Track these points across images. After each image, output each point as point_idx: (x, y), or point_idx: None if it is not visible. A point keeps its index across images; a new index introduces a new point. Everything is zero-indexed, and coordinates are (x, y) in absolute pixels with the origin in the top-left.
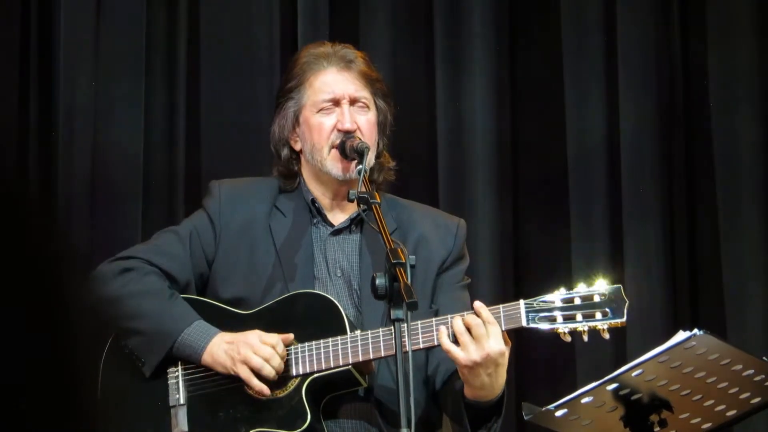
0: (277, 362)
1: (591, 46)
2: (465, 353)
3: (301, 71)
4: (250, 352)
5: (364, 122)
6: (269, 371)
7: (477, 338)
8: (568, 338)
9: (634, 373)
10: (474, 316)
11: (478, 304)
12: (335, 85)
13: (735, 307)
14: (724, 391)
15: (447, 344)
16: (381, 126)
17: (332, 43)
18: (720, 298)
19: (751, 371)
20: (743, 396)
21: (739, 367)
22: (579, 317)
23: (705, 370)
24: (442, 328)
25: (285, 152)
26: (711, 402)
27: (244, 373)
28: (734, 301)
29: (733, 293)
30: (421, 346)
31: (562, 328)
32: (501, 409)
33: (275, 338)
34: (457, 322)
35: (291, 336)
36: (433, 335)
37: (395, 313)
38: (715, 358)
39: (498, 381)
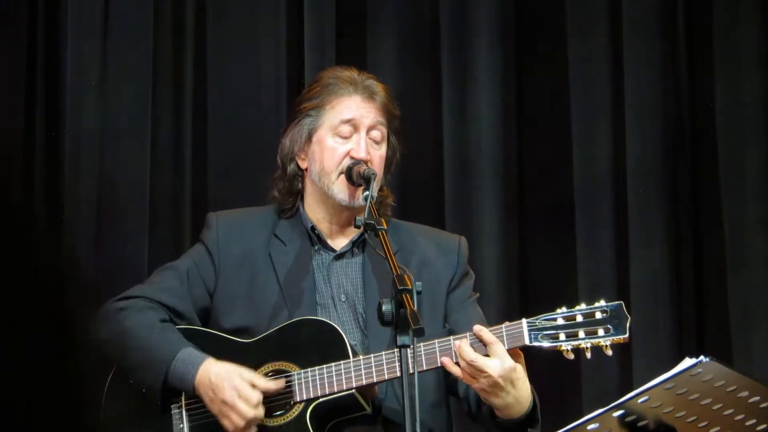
0: (260, 418)
1: (598, 73)
2: (477, 383)
3: (325, 92)
4: (232, 414)
5: (377, 156)
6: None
7: (481, 368)
8: (571, 356)
9: (640, 400)
10: (469, 351)
11: (477, 329)
12: (357, 111)
13: (741, 333)
14: (731, 418)
15: (458, 372)
16: (388, 161)
17: (358, 70)
18: (726, 325)
19: (757, 398)
20: (749, 423)
21: (746, 393)
22: (581, 334)
23: (711, 397)
24: (446, 359)
25: (291, 167)
26: (717, 429)
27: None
28: (740, 328)
29: (739, 320)
30: (425, 367)
31: (565, 345)
32: (536, 416)
33: (255, 397)
34: (464, 351)
35: (281, 384)
36: (435, 357)
37: (402, 340)
38: (721, 385)
39: (521, 395)
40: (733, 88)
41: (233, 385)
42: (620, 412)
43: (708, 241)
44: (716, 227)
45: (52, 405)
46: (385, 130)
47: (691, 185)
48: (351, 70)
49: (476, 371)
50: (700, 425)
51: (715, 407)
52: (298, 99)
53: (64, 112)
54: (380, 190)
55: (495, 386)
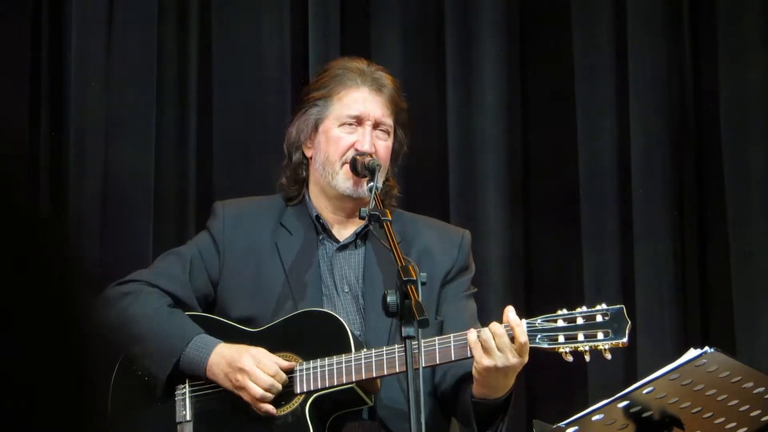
0: (277, 389)
1: (602, 65)
2: (489, 359)
3: (333, 82)
4: (248, 382)
5: (382, 147)
6: (269, 400)
7: (501, 348)
8: (570, 358)
9: (645, 391)
10: (499, 326)
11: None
12: (364, 104)
13: (745, 324)
14: (735, 409)
15: (476, 349)
16: (395, 154)
17: (368, 61)
18: (730, 316)
19: (761, 389)
20: (754, 414)
21: (750, 384)
22: (580, 337)
23: (716, 388)
24: (472, 330)
25: (297, 156)
26: (722, 420)
27: (248, 399)
28: (745, 319)
29: (743, 311)
30: (438, 362)
31: (564, 347)
32: (507, 407)
33: (274, 366)
34: (484, 331)
35: (292, 365)
36: (450, 352)
37: (406, 331)
38: (725, 375)
39: (508, 383)
40: (737, 80)
41: (251, 354)
42: (625, 402)
43: (712, 232)
44: (721, 218)
45: (58, 399)
46: (391, 123)
47: (695, 176)
48: (360, 61)
49: (499, 349)
50: (704, 416)
51: (719, 398)
52: (306, 88)
53: (68, 106)
54: (386, 180)
55: (500, 369)
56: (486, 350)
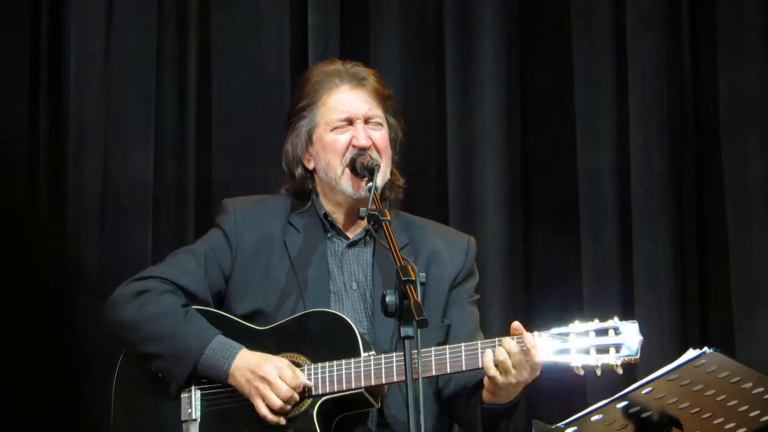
0: (295, 401)
1: (601, 65)
2: (504, 378)
3: (314, 90)
4: (269, 392)
5: (379, 138)
6: (285, 411)
7: (516, 365)
8: (582, 372)
9: (644, 391)
10: (513, 343)
11: (517, 326)
12: (349, 103)
13: (744, 325)
14: (734, 409)
15: (492, 370)
16: (393, 143)
17: (342, 61)
18: (729, 317)
19: (761, 389)
20: (753, 414)
21: (749, 385)
22: (593, 351)
23: (715, 388)
24: (488, 351)
25: (299, 171)
26: (721, 420)
27: (263, 410)
28: (743, 319)
29: (742, 310)
30: (449, 371)
31: (576, 361)
32: (514, 410)
33: (295, 380)
34: (500, 350)
35: (310, 384)
36: (461, 362)
37: (405, 331)
38: (725, 376)
39: (518, 390)
40: (737, 80)
41: (276, 365)
42: (624, 403)
43: (711, 232)
44: (720, 218)
45: (58, 400)
46: (381, 113)
47: (695, 177)
48: (335, 62)
49: (514, 366)
50: (703, 416)
51: (718, 398)
52: (291, 103)
53: (68, 106)
54: (390, 173)
55: (513, 384)
56: (503, 371)
